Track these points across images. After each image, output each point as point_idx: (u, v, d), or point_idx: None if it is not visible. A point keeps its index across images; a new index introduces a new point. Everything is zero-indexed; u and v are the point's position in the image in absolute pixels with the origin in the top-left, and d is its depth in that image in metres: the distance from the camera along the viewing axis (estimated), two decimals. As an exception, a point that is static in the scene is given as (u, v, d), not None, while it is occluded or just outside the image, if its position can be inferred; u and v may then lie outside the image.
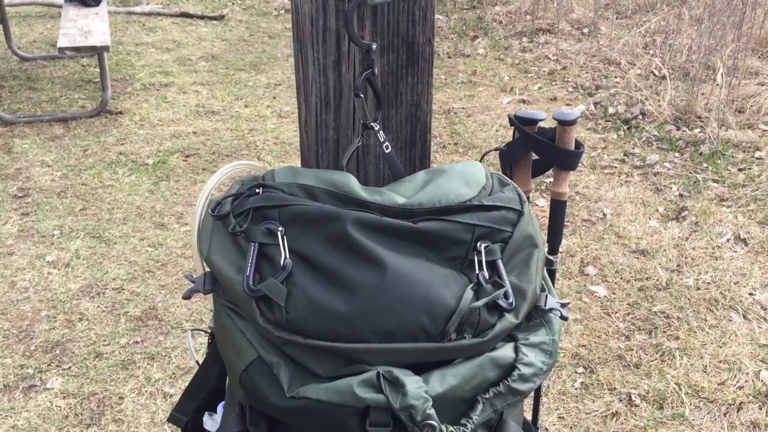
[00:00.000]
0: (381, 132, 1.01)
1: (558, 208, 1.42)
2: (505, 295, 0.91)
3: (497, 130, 4.27)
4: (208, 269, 0.97)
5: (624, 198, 3.53)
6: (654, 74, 4.85)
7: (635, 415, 2.28)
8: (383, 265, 0.88)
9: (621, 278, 2.95)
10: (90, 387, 2.38)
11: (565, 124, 1.36)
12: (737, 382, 2.40)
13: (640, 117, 4.31)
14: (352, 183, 0.96)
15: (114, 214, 3.36)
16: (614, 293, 2.86)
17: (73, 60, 5.21)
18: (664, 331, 2.64)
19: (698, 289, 2.87)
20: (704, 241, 3.16)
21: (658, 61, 4.89)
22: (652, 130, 4.14)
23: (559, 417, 2.29)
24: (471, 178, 0.99)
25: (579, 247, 3.15)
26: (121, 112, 4.41)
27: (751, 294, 2.81)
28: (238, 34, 6.06)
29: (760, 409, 2.29)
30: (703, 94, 4.35)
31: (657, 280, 2.92)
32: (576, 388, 2.40)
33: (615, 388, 2.39)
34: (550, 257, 1.46)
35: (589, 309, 2.77)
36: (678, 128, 4.14)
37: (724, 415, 2.28)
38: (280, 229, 0.91)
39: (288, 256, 0.89)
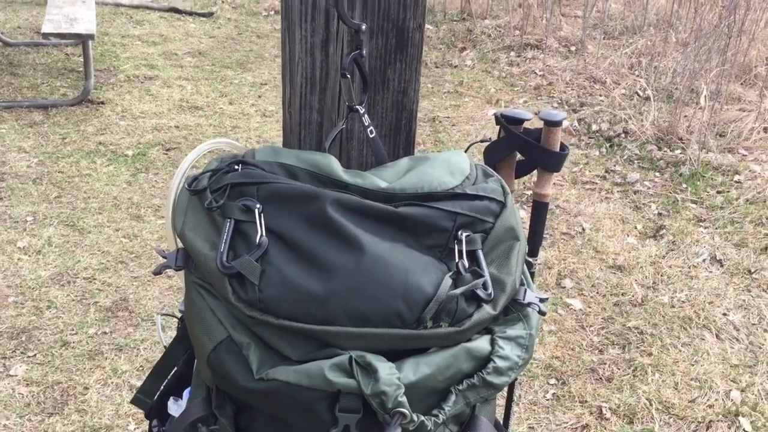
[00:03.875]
0: (366, 116, 0.99)
1: (540, 209, 1.41)
2: (484, 286, 0.89)
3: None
4: (181, 245, 0.94)
5: (603, 214, 3.54)
6: (638, 94, 4.89)
7: (605, 428, 2.27)
8: (361, 247, 0.86)
9: (597, 292, 2.95)
10: (54, 376, 2.33)
11: (551, 124, 1.35)
12: (707, 400, 2.40)
13: (623, 135, 4.34)
14: (333, 165, 0.94)
15: (90, 203, 3.31)
16: (590, 307, 2.85)
17: (57, 48, 5.14)
18: (638, 347, 2.64)
19: (673, 306, 2.87)
20: (681, 260, 3.17)
21: (643, 81, 4.93)
22: (633, 148, 4.17)
23: (530, 427, 2.27)
24: (455, 166, 0.98)
25: (557, 259, 3.15)
26: (102, 102, 4.35)
27: (724, 314, 2.82)
28: (227, 32, 6.02)
29: (729, 428, 2.29)
30: (685, 116, 4.39)
31: (633, 296, 2.93)
32: (547, 399, 2.38)
33: (586, 401, 2.38)
34: (530, 259, 1.45)
35: (564, 321, 2.76)
36: (659, 148, 4.17)
37: (694, 432, 2.27)
38: (258, 206, 0.88)
39: (264, 233, 0.87)
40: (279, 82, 4.95)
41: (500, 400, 1.70)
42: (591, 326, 2.75)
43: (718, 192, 3.73)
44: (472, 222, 0.93)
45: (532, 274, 1.45)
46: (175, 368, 1.12)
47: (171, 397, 1.12)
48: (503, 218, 0.95)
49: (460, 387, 0.86)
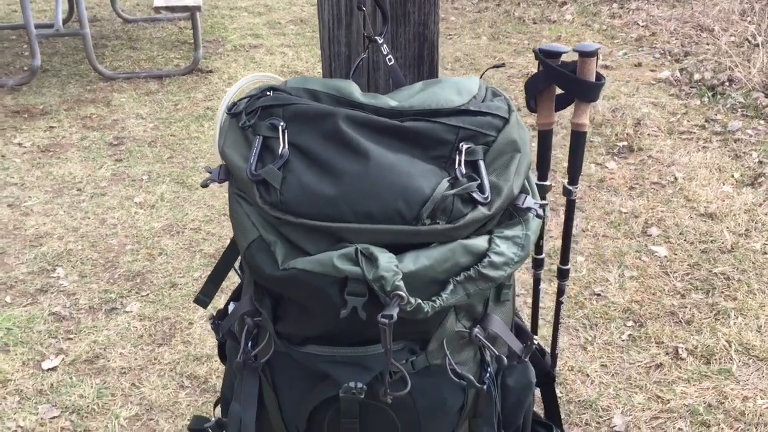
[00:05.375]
0: (384, 45, 1.10)
1: (578, 139, 1.47)
2: (481, 189, 0.98)
3: (575, 95, 4.23)
4: (222, 162, 1.10)
5: (699, 163, 3.45)
6: (749, 41, 4.66)
7: (680, 367, 2.29)
8: (368, 155, 0.98)
9: (684, 240, 2.91)
10: (164, 312, 2.60)
11: (585, 55, 1.40)
12: (793, 344, 2.35)
13: (727, 84, 4.17)
14: (352, 88, 1.06)
15: (197, 162, 3.59)
16: (675, 254, 2.83)
17: (171, 23, 5.51)
18: (722, 292, 2.60)
19: (765, 253, 2.80)
20: (778, 207, 3.06)
21: (754, 28, 4.68)
22: (738, 97, 4.00)
23: (602, 365, 2.32)
24: (464, 87, 1.07)
25: (644, 208, 3.12)
26: (211, 71, 4.66)
27: (821, 260, 2.72)
28: None
29: (814, 371, 2.24)
30: (798, 61, 4.16)
31: (722, 243, 2.87)
32: (623, 340, 2.42)
33: (662, 342, 2.39)
34: (570, 187, 1.51)
35: (647, 268, 2.76)
36: (767, 96, 3.98)
37: (774, 374, 2.24)
38: (282, 124, 1.02)
39: (286, 147, 1.01)
40: (376, 46, 5.08)
41: (547, 334, 1.77)
42: (675, 272, 2.73)
43: (828, 138, 3.54)
44: (475, 135, 1.02)
45: (573, 202, 1.52)
46: (236, 278, 1.28)
47: (231, 302, 1.29)
48: (505, 132, 1.04)
49: (458, 278, 0.97)
